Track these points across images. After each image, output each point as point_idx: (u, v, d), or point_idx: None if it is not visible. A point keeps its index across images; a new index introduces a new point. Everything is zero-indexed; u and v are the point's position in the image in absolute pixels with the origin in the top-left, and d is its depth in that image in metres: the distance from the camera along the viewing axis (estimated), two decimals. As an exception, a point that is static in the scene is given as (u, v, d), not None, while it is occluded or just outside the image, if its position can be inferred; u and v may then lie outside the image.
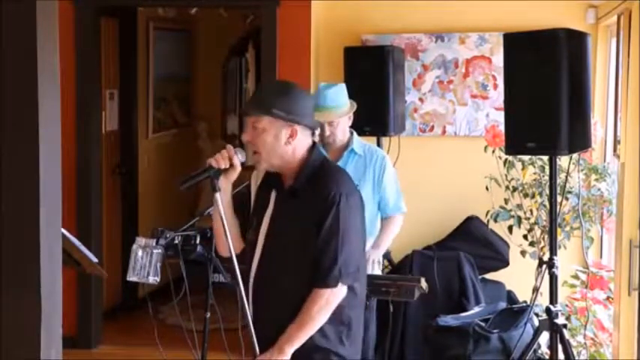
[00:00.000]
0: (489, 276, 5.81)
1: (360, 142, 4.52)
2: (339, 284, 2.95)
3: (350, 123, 4.49)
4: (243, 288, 2.97)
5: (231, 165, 3.00)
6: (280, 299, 3.00)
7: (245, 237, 3.16)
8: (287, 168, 3.05)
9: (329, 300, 2.95)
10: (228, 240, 2.92)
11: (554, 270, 4.07)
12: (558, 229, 4.38)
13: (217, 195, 2.94)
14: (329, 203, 2.93)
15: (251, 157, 3.05)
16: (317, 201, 2.95)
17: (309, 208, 2.96)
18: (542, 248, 5.10)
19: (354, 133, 4.52)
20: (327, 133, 4.38)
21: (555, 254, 4.11)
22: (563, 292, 4.96)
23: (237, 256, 2.98)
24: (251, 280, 3.06)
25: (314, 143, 3.11)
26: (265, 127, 2.98)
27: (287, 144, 3.00)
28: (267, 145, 2.99)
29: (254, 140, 3.00)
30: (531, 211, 5.23)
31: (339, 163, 4.39)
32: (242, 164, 3.04)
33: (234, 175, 3.02)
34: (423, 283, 4.13)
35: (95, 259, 3.39)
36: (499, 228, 5.48)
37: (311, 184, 3.00)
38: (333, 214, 2.92)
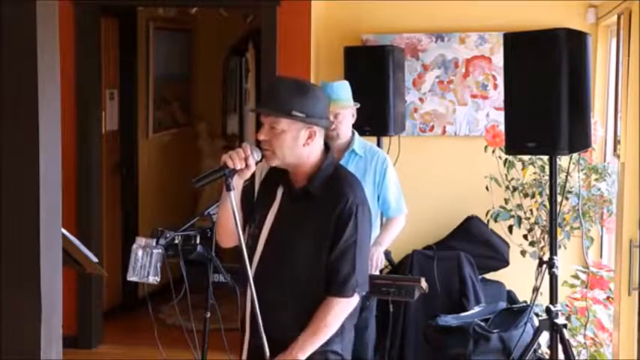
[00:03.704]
0: (489, 276, 5.81)
1: (361, 143, 4.51)
2: (355, 294, 3.00)
3: (353, 120, 4.49)
4: (242, 282, 2.99)
5: (247, 165, 2.95)
6: (282, 296, 2.99)
7: (244, 230, 3.14)
8: (299, 168, 3.03)
9: (344, 308, 2.99)
10: (241, 241, 2.88)
11: (554, 270, 4.07)
12: (558, 229, 4.38)
13: (232, 194, 2.89)
14: (347, 213, 2.95)
15: (263, 154, 3.00)
16: (333, 208, 2.95)
17: (324, 213, 2.96)
18: (542, 248, 5.10)
19: (356, 134, 4.52)
20: (333, 126, 4.38)
21: (555, 254, 4.11)
22: (563, 292, 4.96)
23: (231, 250, 2.98)
24: (251, 274, 3.04)
25: (327, 146, 3.09)
26: (284, 128, 2.95)
27: (305, 145, 2.98)
28: (284, 146, 2.96)
29: (271, 140, 2.96)
30: (531, 211, 5.23)
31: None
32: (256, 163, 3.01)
33: (248, 174, 2.97)
34: (423, 283, 4.13)
35: (95, 259, 3.39)
36: (499, 228, 5.49)
37: (326, 188, 3.00)
38: (351, 224, 2.95)
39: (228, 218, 2.95)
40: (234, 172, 2.92)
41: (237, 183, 3.00)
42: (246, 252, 2.96)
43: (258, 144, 3.03)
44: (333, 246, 2.96)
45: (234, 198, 2.89)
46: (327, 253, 2.96)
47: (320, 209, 2.97)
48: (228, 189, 2.88)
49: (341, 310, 2.99)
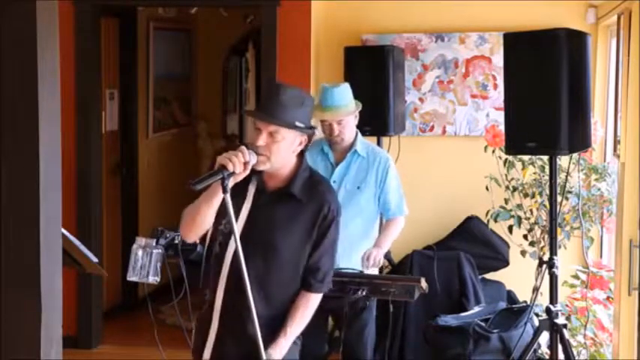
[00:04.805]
0: (489, 276, 5.81)
1: (364, 144, 4.51)
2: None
3: (356, 122, 4.50)
4: (215, 279, 3.10)
5: (244, 169, 2.99)
6: (258, 291, 3.02)
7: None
8: (279, 171, 3.12)
9: (317, 303, 3.18)
10: (237, 242, 2.90)
11: (554, 270, 4.07)
12: (558, 229, 4.38)
13: (227, 196, 2.92)
14: (330, 216, 3.11)
15: (258, 159, 3.04)
16: (318, 211, 3.09)
17: (310, 216, 3.09)
18: (542, 248, 5.10)
19: (359, 134, 4.52)
20: (336, 132, 4.39)
21: (555, 254, 4.11)
22: (563, 292, 4.96)
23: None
24: (225, 270, 3.08)
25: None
26: (285, 136, 3.05)
27: (294, 151, 3.11)
28: (280, 153, 3.06)
29: (270, 147, 3.04)
30: (531, 211, 5.23)
31: (343, 165, 4.42)
32: None
33: (242, 177, 3.01)
34: (423, 283, 4.13)
35: (95, 259, 3.39)
36: (499, 228, 5.49)
37: (308, 191, 3.11)
38: (333, 228, 3.13)
39: (205, 215, 3.05)
40: (232, 175, 2.96)
41: (231, 185, 3.04)
42: (218, 249, 3.11)
43: (246, 146, 3.06)
44: (315, 245, 3.10)
45: (229, 200, 2.91)
46: (309, 252, 3.10)
47: (305, 211, 3.10)
48: (225, 191, 2.92)
49: (316, 304, 3.17)
